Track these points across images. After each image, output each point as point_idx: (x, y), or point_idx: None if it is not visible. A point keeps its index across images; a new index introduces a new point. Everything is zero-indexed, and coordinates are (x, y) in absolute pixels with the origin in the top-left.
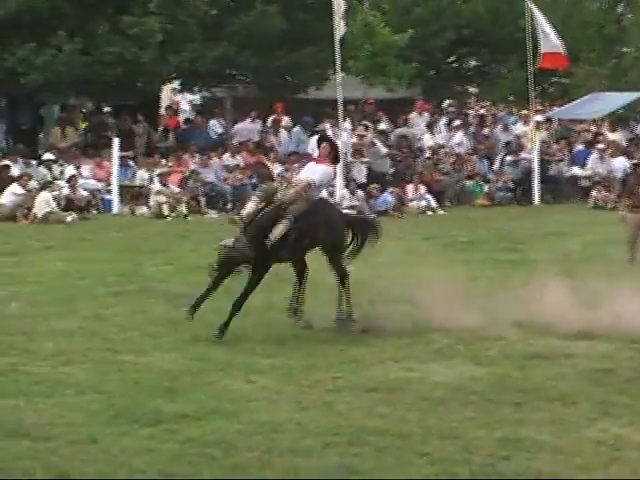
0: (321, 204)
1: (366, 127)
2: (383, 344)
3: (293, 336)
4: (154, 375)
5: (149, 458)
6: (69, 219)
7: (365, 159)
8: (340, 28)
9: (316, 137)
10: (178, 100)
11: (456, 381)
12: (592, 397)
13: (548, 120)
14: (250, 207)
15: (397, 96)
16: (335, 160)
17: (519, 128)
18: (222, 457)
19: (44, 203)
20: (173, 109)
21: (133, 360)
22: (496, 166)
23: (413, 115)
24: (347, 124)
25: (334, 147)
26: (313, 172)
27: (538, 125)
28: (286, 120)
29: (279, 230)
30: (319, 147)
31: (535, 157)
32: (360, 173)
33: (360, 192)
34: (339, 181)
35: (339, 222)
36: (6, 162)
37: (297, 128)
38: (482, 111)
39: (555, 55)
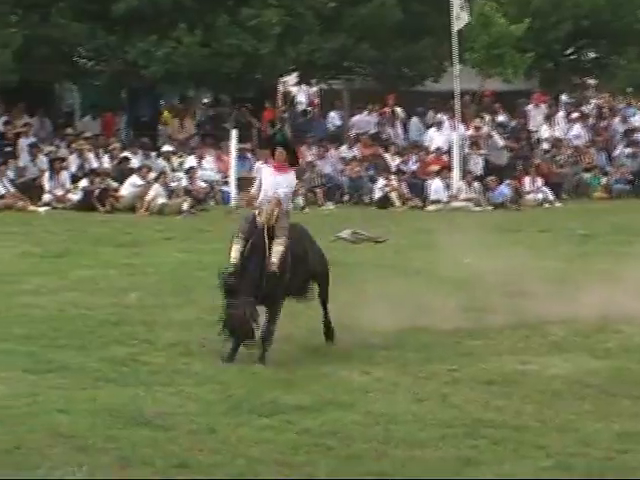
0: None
1: (483, 119)
2: (500, 337)
3: (409, 328)
4: (271, 366)
5: (266, 448)
6: (185, 206)
7: (482, 151)
8: (462, 18)
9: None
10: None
11: (573, 374)
12: None
13: None
14: (235, 251)
15: (514, 88)
16: (294, 163)
17: (638, 120)
18: (338, 447)
19: (155, 195)
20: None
21: (250, 351)
22: (614, 158)
23: (530, 107)
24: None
25: (290, 150)
26: (277, 184)
27: None
28: (399, 112)
29: (279, 250)
30: (273, 152)
31: None
32: (477, 165)
33: (477, 184)
34: (456, 173)
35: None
36: (126, 154)
37: (415, 119)
38: (600, 103)
39: None
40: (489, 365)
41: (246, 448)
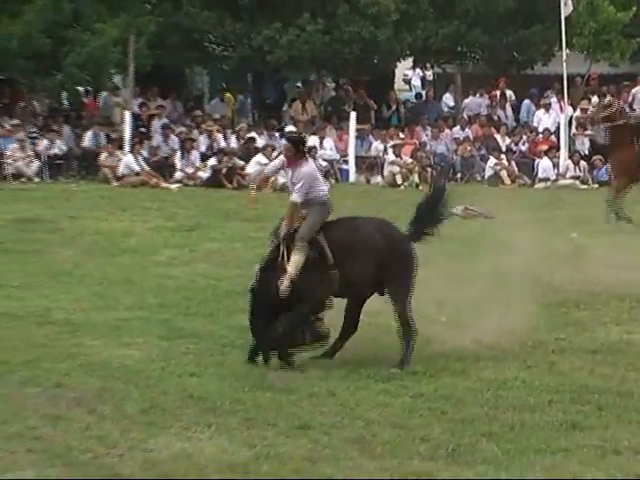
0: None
1: (589, 101)
2: (605, 308)
3: (518, 298)
4: (390, 334)
5: (383, 411)
6: None
7: (588, 132)
8: (568, 6)
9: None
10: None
11: None
12: None
13: None
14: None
15: (620, 71)
16: (303, 154)
17: None
18: (451, 411)
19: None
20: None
21: (369, 321)
22: None
23: (636, 89)
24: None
25: (296, 143)
26: (295, 180)
27: None
28: (510, 94)
29: (295, 262)
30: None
31: None
32: (583, 145)
33: (583, 163)
34: (563, 153)
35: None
36: (252, 134)
37: (527, 101)
38: None
39: None
40: (595, 335)
41: (364, 411)
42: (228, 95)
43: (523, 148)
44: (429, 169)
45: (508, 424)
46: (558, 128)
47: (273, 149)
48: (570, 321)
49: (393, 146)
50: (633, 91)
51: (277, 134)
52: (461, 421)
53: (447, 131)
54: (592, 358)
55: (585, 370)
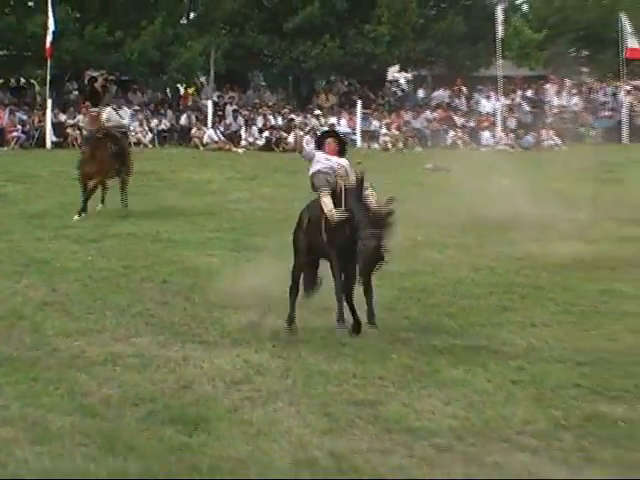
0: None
1: (516, 93)
2: (526, 229)
3: (468, 223)
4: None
5: (379, 299)
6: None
7: (515, 114)
8: (501, 30)
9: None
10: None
11: (569, 254)
12: None
13: None
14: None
15: (536, 74)
16: (342, 154)
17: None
18: (425, 299)
19: (307, 142)
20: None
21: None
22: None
23: (548, 86)
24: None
25: (341, 141)
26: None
27: None
28: (463, 89)
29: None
30: (324, 142)
31: None
32: (511, 123)
33: (512, 135)
34: (498, 128)
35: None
36: (292, 116)
37: (477, 95)
38: (591, 83)
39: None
40: (523, 248)
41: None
42: (192, 90)
43: (472, 124)
44: (410, 138)
45: (462, 307)
46: (495, 111)
47: (306, 125)
48: (505, 240)
49: (386, 123)
50: (545, 86)
51: (309, 115)
52: (430, 305)
53: (422, 114)
54: (518, 263)
55: (513, 271)
